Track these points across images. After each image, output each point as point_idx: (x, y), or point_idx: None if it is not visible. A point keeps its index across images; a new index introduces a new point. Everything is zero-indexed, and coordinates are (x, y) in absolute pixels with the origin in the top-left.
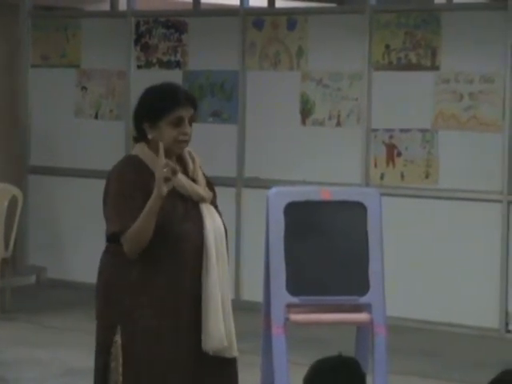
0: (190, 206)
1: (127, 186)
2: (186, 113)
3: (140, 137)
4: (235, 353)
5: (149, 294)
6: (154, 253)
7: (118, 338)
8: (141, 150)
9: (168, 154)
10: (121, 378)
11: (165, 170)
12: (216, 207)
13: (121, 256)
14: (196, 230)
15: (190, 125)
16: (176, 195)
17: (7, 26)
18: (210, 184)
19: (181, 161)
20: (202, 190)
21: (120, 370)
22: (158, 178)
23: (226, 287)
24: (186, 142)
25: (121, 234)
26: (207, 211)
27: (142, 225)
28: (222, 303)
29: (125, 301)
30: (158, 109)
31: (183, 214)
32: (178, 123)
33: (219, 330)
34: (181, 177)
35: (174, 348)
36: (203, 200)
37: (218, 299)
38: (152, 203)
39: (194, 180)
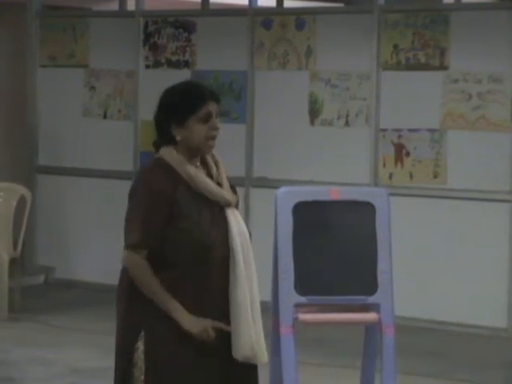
0: (217, 211)
1: (154, 197)
2: (213, 108)
3: (164, 141)
4: (265, 358)
5: (179, 301)
6: (181, 259)
7: (140, 345)
8: (169, 154)
9: (194, 155)
10: None
11: (202, 331)
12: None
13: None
14: (222, 237)
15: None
16: (202, 200)
17: (15, 25)
18: (233, 187)
19: (204, 163)
20: (227, 193)
21: (142, 378)
22: (195, 333)
23: (255, 292)
24: (214, 138)
25: (139, 247)
26: (233, 216)
27: (151, 295)
28: (252, 310)
29: (150, 305)
30: (185, 107)
31: (210, 220)
32: (207, 119)
33: (250, 337)
34: (209, 182)
35: (200, 356)
36: (229, 204)
37: (248, 307)
38: (171, 309)
39: (218, 184)
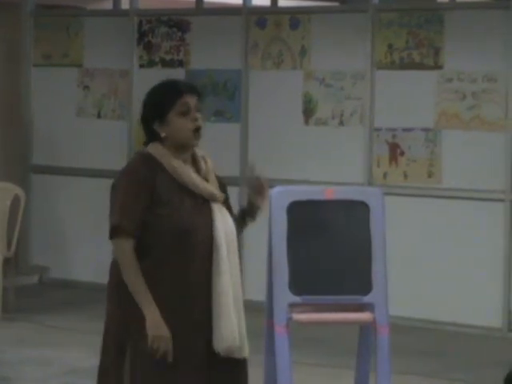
0: (200, 203)
1: (135, 183)
2: (191, 100)
3: (152, 139)
4: (246, 353)
5: (158, 291)
6: (160, 245)
7: (128, 346)
8: (155, 149)
9: (182, 150)
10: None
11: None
12: (230, 209)
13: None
14: (205, 225)
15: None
16: (185, 192)
17: (9, 25)
18: (223, 186)
19: (194, 161)
20: (212, 187)
21: (127, 377)
22: (150, 336)
23: (238, 286)
24: (198, 130)
25: (119, 229)
26: (218, 210)
27: (129, 284)
28: (235, 302)
29: (134, 300)
30: (162, 103)
31: (191, 209)
32: (186, 111)
33: (231, 329)
34: (193, 175)
35: (184, 347)
36: (214, 198)
37: (230, 297)
38: (144, 304)
39: (206, 179)
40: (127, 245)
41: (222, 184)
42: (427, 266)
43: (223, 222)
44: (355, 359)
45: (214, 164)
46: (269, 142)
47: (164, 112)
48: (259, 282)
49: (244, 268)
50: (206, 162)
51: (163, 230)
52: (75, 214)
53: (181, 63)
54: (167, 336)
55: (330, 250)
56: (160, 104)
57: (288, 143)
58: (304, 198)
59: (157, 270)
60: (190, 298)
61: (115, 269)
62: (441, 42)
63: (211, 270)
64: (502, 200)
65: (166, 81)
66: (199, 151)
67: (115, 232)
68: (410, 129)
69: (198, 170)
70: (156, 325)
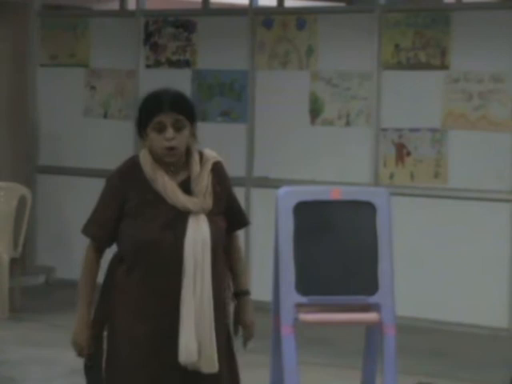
0: (176, 214)
1: (109, 191)
2: (166, 118)
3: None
4: (214, 369)
5: (127, 296)
6: (133, 257)
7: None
8: (143, 154)
9: (161, 162)
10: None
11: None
12: (231, 215)
13: (113, 258)
14: (175, 238)
15: (179, 131)
16: (162, 203)
17: (16, 25)
18: (218, 194)
19: (188, 167)
20: (190, 200)
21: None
22: (71, 340)
23: (205, 299)
24: (172, 149)
25: (85, 233)
26: (194, 222)
27: (78, 286)
28: (200, 315)
29: (111, 301)
30: (143, 115)
31: (163, 223)
32: (160, 129)
33: (189, 341)
34: (169, 185)
35: (149, 354)
36: (188, 210)
37: (191, 310)
38: (78, 310)
39: (192, 189)
40: (89, 249)
41: (216, 193)
42: (433, 266)
43: (194, 235)
44: (362, 359)
45: (213, 162)
46: (275, 143)
47: (143, 125)
48: (265, 282)
49: (250, 268)
50: (203, 169)
51: (133, 240)
52: (81, 215)
53: (187, 63)
54: (83, 345)
55: (337, 250)
56: (141, 116)
57: (294, 143)
58: (310, 198)
59: (128, 277)
60: (155, 306)
61: (108, 268)
62: (447, 42)
63: (179, 282)
64: (508, 200)
65: (154, 92)
66: (210, 153)
67: (84, 235)
68: (416, 129)
69: (186, 178)
70: (76, 331)
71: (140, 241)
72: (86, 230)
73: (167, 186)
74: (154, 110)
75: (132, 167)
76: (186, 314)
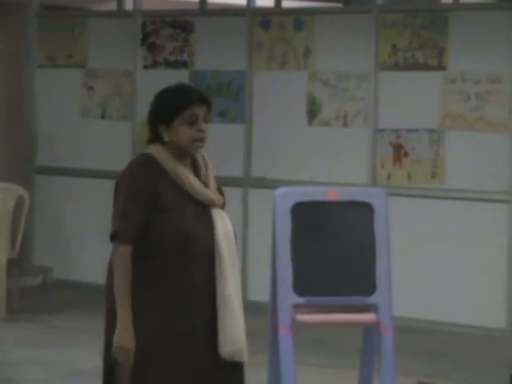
0: (201, 209)
1: (136, 188)
2: (199, 110)
3: (155, 140)
4: (246, 357)
5: (158, 294)
6: (165, 252)
7: None
8: (155, 150)
9: (183, 155)
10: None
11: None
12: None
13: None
14: (207, 232)
15: (206, 123)
16: (187, 198)
17: (14, 26)
18: (220, 189)
19: (194, 164)
20: (212, 194)
21: (129, 372)
22: (114, 346)
23: (239, 291)
24: (202, 140)
25: (119, 235)
26: (218, 215)
27: (116, 289)
28: (238, 305)
29: (134, 301)
30: (171, 108)
31: (193, 215)
32: (193, 121)
33: (238, 331)
34: (193, 180)
35: (184, 349)
36: (213, 204)
37: (235, 301)
38: (120, 314)
39: (205, 184)
40: (124, 249)
41: (219, 188)
42: (431, 266)
43: (223, 227)
44: (359, 360)
45: (213, 165)
46: (273, 143)
47: (171, 118)
48: (263, 283)
49: (247, 269)
50: (206, 165)
51: (166, 234)
52: (79, 215)
53: (185, 64)
54: (129, 348)
55: (334, 250)
56: (168, 109)
57: (292, 144)
58: (308, 199)
59: (159, 273)
60: (191, 301)
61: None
62: (445, 43)
63: (213, 274)
64: (505, 201)
65: (179, 86)
66: (199, 151)
67: (115, 236)
68: (413, 130)
69: (197, 174)
70: (122, 335)
71: (176, 234)
72: (122, 237)
73: (193, 180)
74: (185, 102)
75: (150, 164)
76: (231, 304)
